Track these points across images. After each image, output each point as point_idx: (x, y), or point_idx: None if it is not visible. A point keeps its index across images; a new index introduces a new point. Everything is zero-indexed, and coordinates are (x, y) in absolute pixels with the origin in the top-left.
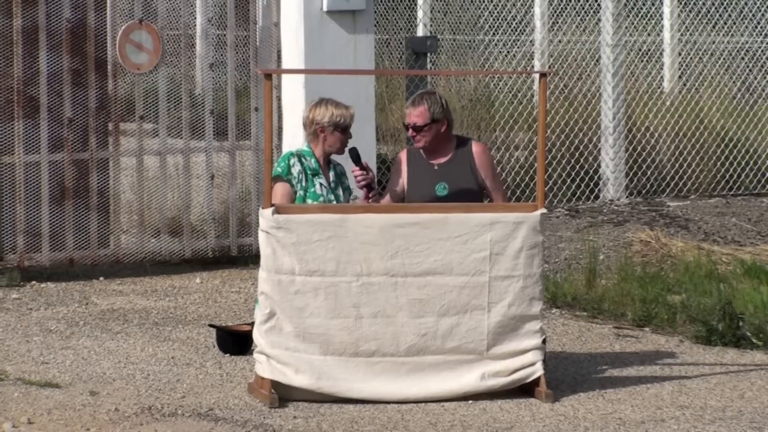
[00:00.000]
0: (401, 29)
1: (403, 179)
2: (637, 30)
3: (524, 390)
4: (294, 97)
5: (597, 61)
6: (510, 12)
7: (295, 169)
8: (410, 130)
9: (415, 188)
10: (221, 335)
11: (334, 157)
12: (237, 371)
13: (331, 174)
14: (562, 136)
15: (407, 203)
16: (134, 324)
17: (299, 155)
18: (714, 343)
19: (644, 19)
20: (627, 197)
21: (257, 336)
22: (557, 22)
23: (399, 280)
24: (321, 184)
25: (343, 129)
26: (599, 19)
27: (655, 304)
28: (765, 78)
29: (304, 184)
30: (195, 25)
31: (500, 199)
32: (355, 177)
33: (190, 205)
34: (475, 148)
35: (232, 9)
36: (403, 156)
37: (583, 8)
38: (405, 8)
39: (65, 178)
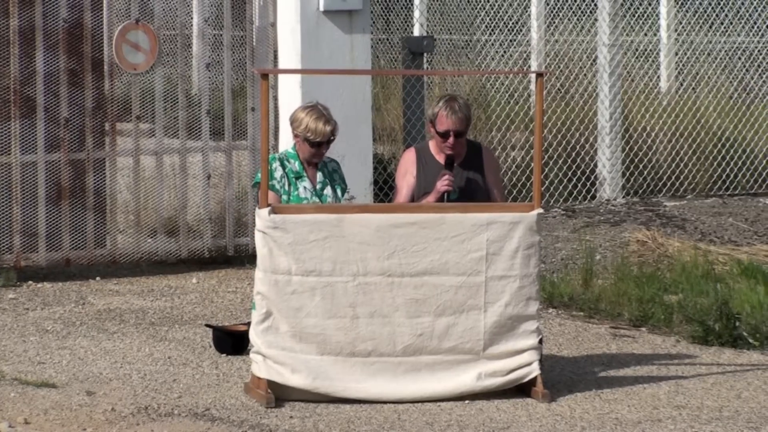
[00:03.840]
0: (398, 29)
1: (415, 179)
2: (633, 30)
3: (521, 390)
4: (290, 98)
5: (594, 61)
6: (506, 12)
7: (278, 174)
8: (451, 138)
9: (428, 188)
10: (218, 335)
11: (329, 153)
12: (233, 371)
13: (319, 174)
14: (559, 136)
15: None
16: (131, 324)
17: (281, 159)
18: (711, 343)
19: (641, 18)
20: (624, 197)
21: (254, 336)
22: (554, 22)
23: (395, 280)
24: (305, 187)
25: (312, 144)
26: (596, 19)
27: (652, 304)
28: (762, 78)
29: (287, 188)
30: (191, 25)
31: (501, 201)
32: (443, 180)
33: (186, 205)
34: (486, 152)
35: (228, 9)
36: (411, 155)
37: (580, 8)
38: (401, 8)
39: (62, 178)
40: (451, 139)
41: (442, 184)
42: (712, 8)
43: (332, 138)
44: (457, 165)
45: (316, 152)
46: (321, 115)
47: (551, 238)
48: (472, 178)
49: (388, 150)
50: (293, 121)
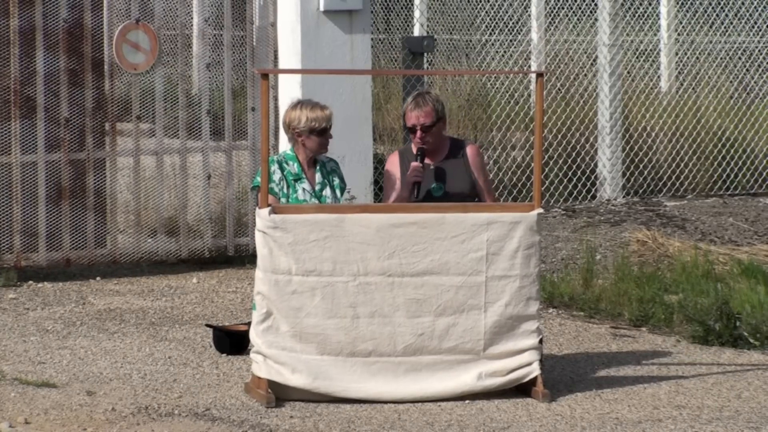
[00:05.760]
0: (398, 29)
1: (399, 181)
2: (634, 30)
3: (521, 390)
4: (290, 97)
5: (594, 60)
6: (507, 12)
7: (276, 177)
8: (418, 132)
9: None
10: (218, 335)
11: (328, 153)
12: (234, 371)
13: (318, 174)
14: (559, 136)
15: (404, 203)
16: (131, 324)
17: (280, 161)
18: (711, 343)
19: (641, 18)
20: (624, 197)
21: (254, 336)
22: (554, 22)
23: (396, 280)
24: (304, 189)
25: (319, 132)
26: (596, 19)
27: (652, 304)
28: (762, 77)
29: (285, 190)
30: (192, 25)
31: (490, 200)
32: (411, 171)
33: (186, 205)
34: (470, 149)
35: (228, 9)
36: (395, 158)
37: (580, 8)
38: (402, 8)
39: (62, 178)
40: (418, 133)
41: (410, 174)
42: (713, 8)
43: (331, 123)
44: (439, 161)
45: (324, 141)
46: (313, 103)
47: (551, 238)
48: (454, 173)
49: (388, 150)
50: (291, 121)
